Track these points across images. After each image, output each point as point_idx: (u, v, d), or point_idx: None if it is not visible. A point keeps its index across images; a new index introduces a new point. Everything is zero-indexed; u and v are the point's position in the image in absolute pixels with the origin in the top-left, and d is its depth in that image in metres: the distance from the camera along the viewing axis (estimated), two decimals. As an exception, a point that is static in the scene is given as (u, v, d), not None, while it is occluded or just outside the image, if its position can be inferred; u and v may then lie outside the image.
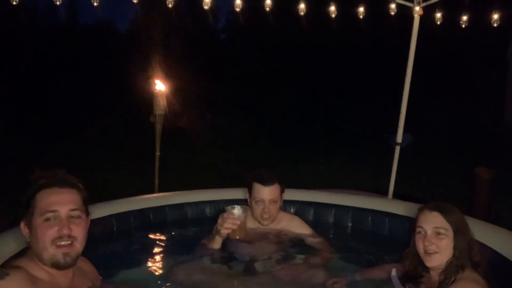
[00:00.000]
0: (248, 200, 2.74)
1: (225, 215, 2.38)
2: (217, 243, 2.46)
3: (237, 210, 2.37)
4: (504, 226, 2.40)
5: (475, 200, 5.01)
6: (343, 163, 8.39)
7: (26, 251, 1.70)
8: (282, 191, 2.71)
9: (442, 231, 1.89)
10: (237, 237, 2.41)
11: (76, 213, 1.67)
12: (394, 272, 2.12)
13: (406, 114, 3.83)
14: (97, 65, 19.43)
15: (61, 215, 1.64)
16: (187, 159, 8.12)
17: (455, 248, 1.88)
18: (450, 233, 1.89)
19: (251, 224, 2.74)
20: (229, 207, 2.39)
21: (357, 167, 7.93)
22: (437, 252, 1.89)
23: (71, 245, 1.63)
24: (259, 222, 2.70)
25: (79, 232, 1.66)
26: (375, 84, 18.10)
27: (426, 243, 1.91)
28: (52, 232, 1.61)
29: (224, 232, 2.38)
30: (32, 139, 9.40)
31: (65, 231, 1.62)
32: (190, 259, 2.44)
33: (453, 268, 1.86)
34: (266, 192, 2.63)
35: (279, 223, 2.77)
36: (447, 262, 1.89)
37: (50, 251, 1.60)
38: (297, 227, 2.79)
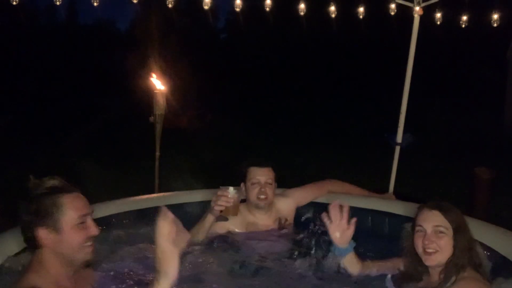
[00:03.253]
0: (244, 189, 2.76)
1: (219, 192, 2.47)
2: (208, 221, 2.54)
3: (231, 189, 2.46)
4: (504, 226, 2.40)
5: (475, 200, 5.01)
6: (343, 163, 8.38)
7: (32, 265, 1.69)
8: (275, 178, 2.76)
9: (442, 229, 1.87)
10: (230, 215, 2.52)
11: (93, 215, 1.81)
12: (389, 277, 2.09)
13: (406, 114, 3.83)
14: (97, 65, 19.44)
15: (89, 218, 1.76)
16: (187, 159, 8.11)
17: (455, 247, 1.86)
18: (450, 232, 1.87)
19: (248, 217, 2.77)
20: (222, 187, 2.48)
21: (357, 167, 7.92)
22: (437, 251, 1.87)
23: (93, 244, 1.78)
24: (255, 206, 2.73)
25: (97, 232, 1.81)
26: (375, 84, 18.09)
27: (426, 242, 1.89)
28: (86, 234, 1.72)
29: (217, 209, 2.47)
30: (32, 138, 9.39)
31: (94, 233, 1.76)
32: (190, 259, 2.44)
33: (453, 267, 1.84)
34: (262, 173, 2.70)
35: (273, 209, 2.81)
36: (446, 261, 1.87)
37: (82, 252, 1.72)
38: (285, 204, 2.86)
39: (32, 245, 1.70)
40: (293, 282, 2.23)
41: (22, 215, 1.68)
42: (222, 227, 2.71)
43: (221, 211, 2.49)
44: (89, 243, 1.74)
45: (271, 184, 2.71)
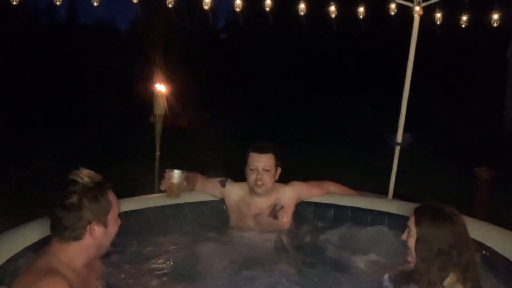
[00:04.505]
0: (245, 174, 2.79)
1: (165, 174, 2.74)
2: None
3: (175, 172, 2.70)
4: (504, 226, 2.40)
5: (475, 200, 5.02)
6: (343, 163, 8.38)
7: (53, 251, 1.67)
8: (276, 164, 2.76)
9: (410, 232, 1.92)
10: (172, 196, 2.77)
11: None
12: (386, 277, 2.08)
13: (406, 114, 3.83)
14: (97, 65, 19.42)
15: None
16: (187, 159, 8.11)
17: (416, 254, 1.88)
18: (414, 238, 1.90)
19: (246, 195, 2.82)
20: (168, 169, 2.74)
21: (357, 167, 7.92)
22: (408, 249, 1.93)
23: None
24: (252, 190, 2.75)
25: None
26: (375, 84, 18.10)
27: (403, 237, 1.97)
28: (118, 225, 1.81)
29: (161, 188, 2.78)
30: (32, 139, 9.39)
31: (119, 223, 1.84)
32: (190, 259, 2.44)
33: (419, 276, 1.84)
34: (260, 159, 2.71)
35: (272, 195, 2.82)
36: (415, 266, 1.89)
37: (110, 242, 1.80)
38: (286, 193, 2.86)
39: (70, 237, 1.65)
40: (287, 278, 2.23)
41: (85, 212, 1.65)
42: (217, 190, 2.90)
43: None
44: None
45: (269, 171, 2.71)
